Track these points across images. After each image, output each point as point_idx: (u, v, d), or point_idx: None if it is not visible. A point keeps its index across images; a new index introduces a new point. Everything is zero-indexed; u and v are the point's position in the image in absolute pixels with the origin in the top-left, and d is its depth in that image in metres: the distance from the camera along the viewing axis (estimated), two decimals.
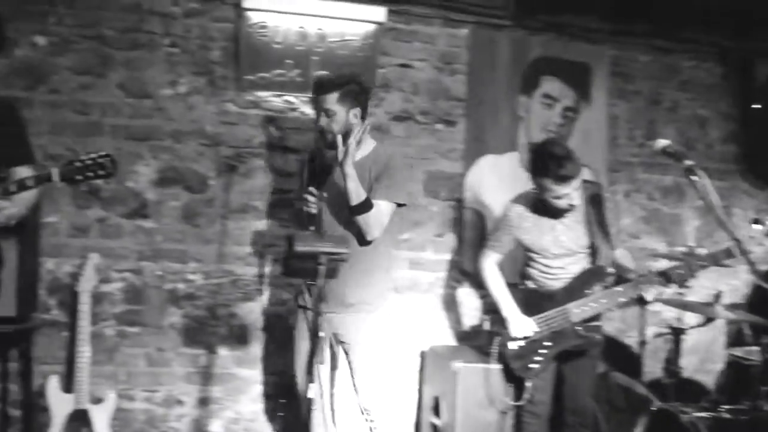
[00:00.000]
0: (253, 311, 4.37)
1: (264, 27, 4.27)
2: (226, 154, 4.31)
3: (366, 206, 3.32)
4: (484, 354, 4.04)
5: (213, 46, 4.30)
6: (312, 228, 3.36)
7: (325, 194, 3.41)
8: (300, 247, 3.05)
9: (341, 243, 3.15)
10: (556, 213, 3.68)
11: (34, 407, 4.06)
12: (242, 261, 4.35)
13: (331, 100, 3.40)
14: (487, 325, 4.41)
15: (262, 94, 4.34)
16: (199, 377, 4.32)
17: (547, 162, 3.51)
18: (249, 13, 4.24)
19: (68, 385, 3.94)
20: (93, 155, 2.86)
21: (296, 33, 4.32)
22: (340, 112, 3.40)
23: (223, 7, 4.29)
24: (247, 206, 4.35)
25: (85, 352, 3.89)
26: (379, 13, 4.38)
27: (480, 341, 4.37)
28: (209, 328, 4.32)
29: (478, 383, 3.95)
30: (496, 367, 3.86)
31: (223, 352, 4.35)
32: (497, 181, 4.61)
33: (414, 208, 4.55)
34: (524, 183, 4.21)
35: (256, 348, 4.38)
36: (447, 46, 4.62)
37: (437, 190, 4.62)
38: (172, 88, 4.26)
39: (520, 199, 3.82)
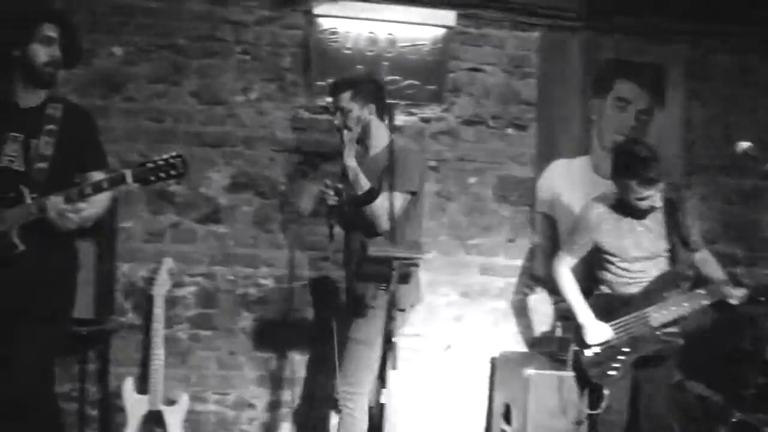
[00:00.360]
0: None
1: (334, 33, 4.30)
2: (297, 159, 4.35)
3: (371, 196, 3.35)
4: (556, 361, 3.98)
5: (284, 52, 4.35)
6: (332, 221, 3.50)
7: (341, 186, 3.50)
8: (373, 252, 3.05)
9: (414, 248, 3.15)
10: (637, 215, 3.59)
11: (111, 407, 4.16)
12: (313, 266, 4.37)
13: (345, 98, 3.49)
14: (559, 332, 4.36)
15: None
16: (269, 381, 4.35)
17: (633, 163, 3.44)
18: (319, 20, 4.28)
19: (143, 387, 4.01)
20: (165, 156, 2.88)
21: (366, 38, 4.33)
22: (354, 109, 3.47)
23: (294, 14, 4.34)
24: (318, 211, 4.37)
25: (159, 354, 3.96)
26: (449, 17, 4.35)
27: (552, 348, 4.30)
28: (280, 333, 4.34)
29: (551, 391, 3.88)
30: (569, 374, 3.78)
31: (294, 356, 4.37)
32: (569, 185, 4.55)
33: (483, 213, 4.53)
34: (597, 187, 4.20)
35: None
36: (517, 50, 4.57)
37: (508, 195, 4.56)
38: (244, 94, 4.32)
39: (600, 200, 3.74)
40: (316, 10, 4.25)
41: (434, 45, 4.38)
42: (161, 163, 2.85)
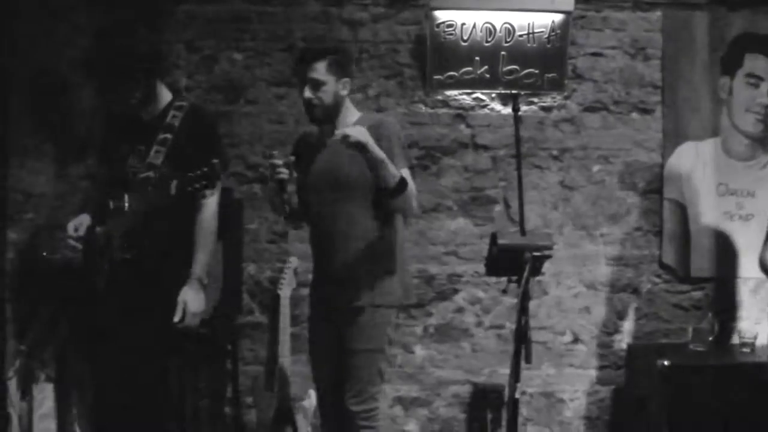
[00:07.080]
0: (448, 310, 4.37)
1: (451, 26, 4.25)
2: (417, 155, 4.32)
3: (404, 185, 2.98)
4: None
5: (401, 48, 4.34)
6: (287, 209, 3.14)
7: (296, 175, 3.13)
8: (503, 243, 3.01)
9: (545, 239, 3.09)
10: None
11: (242, 405, 4.26)
12: (436, 260, 4.36)
13: (320, 69, 3.07)
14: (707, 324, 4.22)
15: (451, 92, 4.34)
16: (396, 376, 4.36)
17: None
18: (436, 13, 4.23)
19: (271, 385, 4.08)
20: (205, 168, 2.86)
21: (483, 29, 4.26)
22: (329, 81, 3.08)
23: (410, 9, 4.32)
24: (439, 205, 4.35)
25: (286, 352, 4.01)
26: (568, 2, 4.22)
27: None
28: (405, 328, 4.34)
29: None
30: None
31: (419, 351, 4.38)
32: (699, 168, 4.38)
33: (609, 202, 4.40)
34: (729, 170, 4.11)
35: (452, 347, 4.38)
36: (639, 31, 4.40)
37: (634, 182, 4.41)
38: (363, 92, 4.31)
39: None
40: (432, 3, 4.21)
41: (553, 32, 4.27)
42: (200, 173, 2.85)
